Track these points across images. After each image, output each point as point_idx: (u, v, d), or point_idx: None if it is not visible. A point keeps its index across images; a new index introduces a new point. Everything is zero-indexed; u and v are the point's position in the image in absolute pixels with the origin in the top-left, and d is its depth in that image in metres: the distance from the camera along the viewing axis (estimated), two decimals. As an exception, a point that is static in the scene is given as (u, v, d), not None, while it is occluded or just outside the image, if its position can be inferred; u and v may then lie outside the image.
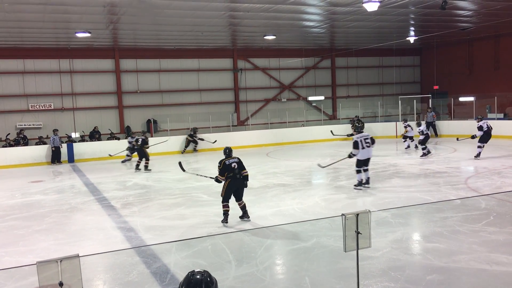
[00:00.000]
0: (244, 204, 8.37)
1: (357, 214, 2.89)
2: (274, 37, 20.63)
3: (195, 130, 20.96)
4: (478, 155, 14.65)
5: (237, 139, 21.87)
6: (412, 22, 19.85)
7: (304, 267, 6.01)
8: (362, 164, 10.64)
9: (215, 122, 23.30)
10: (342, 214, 3.06)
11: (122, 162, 17.84)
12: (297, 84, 27.17)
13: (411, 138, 17.80)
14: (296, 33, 21.13)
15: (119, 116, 22.89)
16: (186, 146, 20.83)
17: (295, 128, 24.04)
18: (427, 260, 6.05)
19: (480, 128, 14.71)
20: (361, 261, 5.91)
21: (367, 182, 10.78)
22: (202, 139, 20.74)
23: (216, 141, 20.58)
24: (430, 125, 22.29)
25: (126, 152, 18.08)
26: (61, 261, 2.30)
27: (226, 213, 8.20)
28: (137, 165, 15.53)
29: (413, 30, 22.08)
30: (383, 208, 8.71)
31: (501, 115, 21.72)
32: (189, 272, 2.44)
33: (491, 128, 14.80)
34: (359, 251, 3.06)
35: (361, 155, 10.51)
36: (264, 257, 6.40)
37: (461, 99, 23.55)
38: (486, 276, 5.39)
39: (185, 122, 22.83)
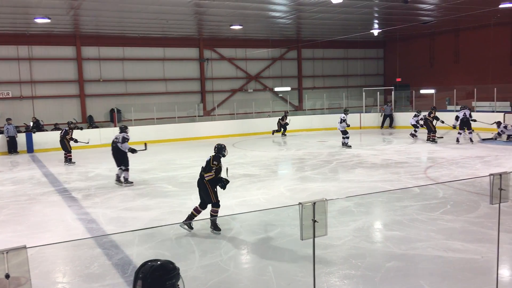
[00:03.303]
0: (211, 212, 7.12)
1: (314, 203, 2.94)
2: (241, 27, 20.53)
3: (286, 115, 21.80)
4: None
5: (203, 130, 21.75)
6: (376, 15, 20.18)
7: (268, 256, 6.06)
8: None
9: (181, 112, 23.06)
10: (299, 203, 3.10)
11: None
12: (263, 75, 27.20)
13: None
14: (263, 24, 21.10)
15: (80, 105, 22.31)
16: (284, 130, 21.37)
17: (261, 119, 24.06)
18: (387, 247, 6.22)
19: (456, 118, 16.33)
20: (324, 250, 6.03)
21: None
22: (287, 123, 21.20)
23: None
24: (388, 116, 22.82)
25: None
26: (7, 252, 2.23)
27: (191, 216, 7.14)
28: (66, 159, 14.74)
29: (377, 23, 22.45)
30: (346, 197, 8.88)
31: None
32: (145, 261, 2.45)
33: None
34: (318, 239, 3.11)
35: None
36: (228, 247, 6.42)
37: (422, 91, 24.18)
38: (442, 262, 5.59)
39: (150, 111, 22.48)
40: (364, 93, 24.46)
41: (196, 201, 9.18)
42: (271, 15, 19.07)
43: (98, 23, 19.31)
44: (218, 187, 7.05)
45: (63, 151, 14.80)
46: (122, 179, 11.01)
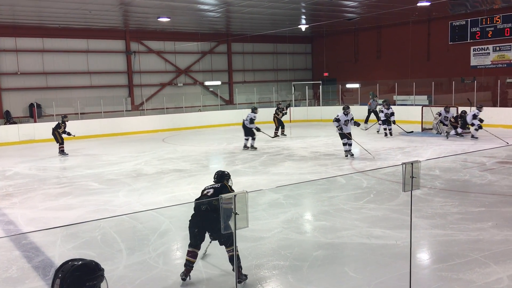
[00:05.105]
0: (233, 255, 4.72)
1: (235, 195, 2.96)
2: (169, 19, 20.09)
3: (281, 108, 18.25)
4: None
5: (132, 125, 21.13)
6: (303, 11, 20.61)
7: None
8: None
9: (108, 106, 22.20)
10: (220, 196, 3.11)
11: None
12: (193, 69, 26.87)
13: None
14: (192, 16, 20.81)
15: (-4, 100, 20.82)
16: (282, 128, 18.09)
17: (192, 113, 23.82)
18: (315, 237, 6.40)
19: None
20: (254, 242, 6.09)
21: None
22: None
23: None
24: (373, 111, 20.42)
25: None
26: None
27: (186, 264, 5.05)
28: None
29: (304, 19, 22.94)
30: (277, 187, 9.03)
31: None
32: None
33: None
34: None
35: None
36: (157, 244, 6.29)
37: (348, 85, 25.13)
38: (366, 249, 5.86)
39: (73, 106, 21.44)
40: (293, 87, 24.94)
41: (123, 198, 8.94)
42: (199, 8, 18.85)
43: (14, 12, 18.02)
44: None
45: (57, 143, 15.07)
46: (248, 145, 14.48)
